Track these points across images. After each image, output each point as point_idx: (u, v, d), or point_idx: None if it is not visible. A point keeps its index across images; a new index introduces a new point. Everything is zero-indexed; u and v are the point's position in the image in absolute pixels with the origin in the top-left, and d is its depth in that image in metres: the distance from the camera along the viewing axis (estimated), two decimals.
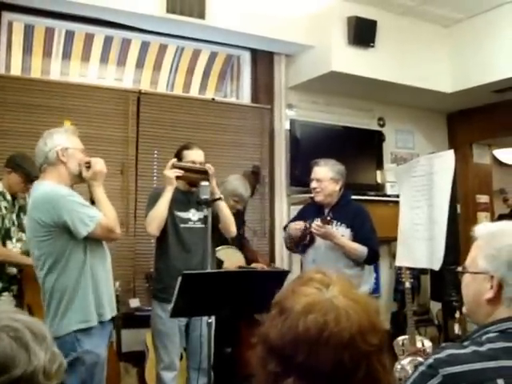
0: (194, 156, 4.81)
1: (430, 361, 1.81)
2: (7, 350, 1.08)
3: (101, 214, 3.70)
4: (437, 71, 7.34)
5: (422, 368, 1.82)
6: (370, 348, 1.39)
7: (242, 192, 5.83)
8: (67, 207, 3.58)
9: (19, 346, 1.10)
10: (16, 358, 1.08)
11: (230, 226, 4.90)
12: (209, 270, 4.20)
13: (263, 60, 7.31)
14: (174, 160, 4.74)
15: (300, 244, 5.37)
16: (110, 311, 3.87)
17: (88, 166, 3.81)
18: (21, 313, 1.21)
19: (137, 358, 5.82)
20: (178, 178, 4.66)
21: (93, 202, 3.83)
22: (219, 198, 4.73)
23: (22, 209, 5.00)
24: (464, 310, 2.15)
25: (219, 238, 5.09)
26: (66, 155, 3.74)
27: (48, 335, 1.19)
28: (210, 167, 4.69)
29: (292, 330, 1.40)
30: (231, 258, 5.80)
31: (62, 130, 3.89)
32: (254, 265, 6.10)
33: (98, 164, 3.82)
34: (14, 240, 4.88)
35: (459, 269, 2.14)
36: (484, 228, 2.10)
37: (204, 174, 4.61)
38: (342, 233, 5.18)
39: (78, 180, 3.85)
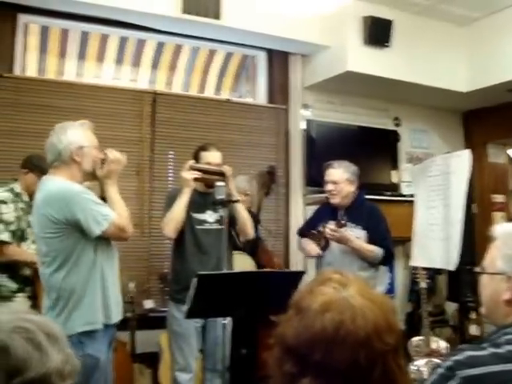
0: (211, 157, 4.78)
1: (449, 363, 1.79)
2: (20, 352, 1.06)
3: (114, 213, 3.61)
4: (452, 70, 7.29)
5: (440, 370, 1.79)
6: (385, 347, 1.39)
7: (242, 185, 5.81)
8: (81, 205, 3.48)
9: (32, 347, 1.08)
10: (29, 360, 1.06)
11: (248, 228, 4.90)
12: (224, 271, 4.18)
13: (279, 60, 7.30)
14: (192, 162, 4.71)
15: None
16: (117, 314, 3.78)
17: (103, 162, 3.71)
18: (33, 313, 1.20)
19: (151, 359, 5.82)
20: (195, 179, 4.64)
21: (103, 199, 3.72)
22: (236, 200, 4.71)
23: None
24: (482, 310, 2.13)
25: (231, 243, 5.05)
26: (80, 154, 3.61)
27: (60, 335, 1.18)
28: (227, 169, 4.67)
29: (308, 328, 1.40)
30: (241, 265, 5.77)
31: (77, 124, 3.69)
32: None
33: (114, 164, 3.71)
34: (28, 241, 4.86)
35: (477, 269, 2.12)
36: (502, 228, 2.08)
37: (221, 176, 4.59)
38: (357, 234, 5.14)
39: (91, 178, 3.75)
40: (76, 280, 3.55)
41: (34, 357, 1.08)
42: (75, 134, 3.63)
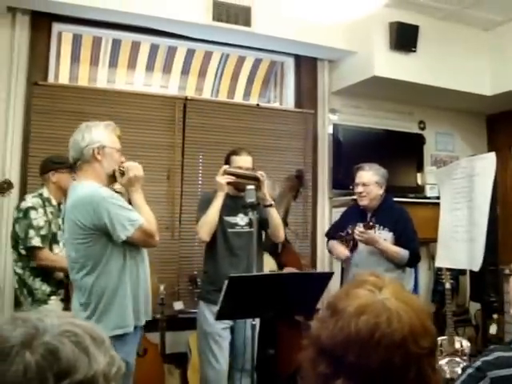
0: (241, 162, 4.81)
1: (478, 363, 1.79)
2: (69, 355, 1.08)
3: (142, 219, 3.58)
4: (477, 74, 7.24)
5: (470, 370, 1.80)
6: (421, 351, 1.39)
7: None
8: (108, 210, 3.46)
9: (80, 350, 1.10)
10: (77, 363, 1.08)
11: (279, 231, 4.92)
12: (254, 273, 4.18)
13: (307, 66, 7.31)
14: (226, 166, 4.73)
15: None
16: (145, 315, 3.82)
17: (122, 172, 3.71)
18: (78, 318, 1.22)
19: (180, 360, 5.88)
20: (228, 183, 4.67)
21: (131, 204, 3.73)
22: (270, 205, 4.76)
23: None
24: (511, 311, 2.13)
25: (261, 245, 5.06)
26: (101, 153, 3.62)
27: (106, 339, 1.20)
28: (262, 174, 4.67)
29: (344, 330, 1.40)
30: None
31: (102, 125, 3.72)
32: (285, 270, 6.10)
33: (132, 171, 3.69)
34: (60, 244, 4.90)
35: (507, 271, 2.12)
36: None
37: (256, 181, 4.60)
38: (384, 236, 5.17)
39: (113, 181, 3.77)
40: (105, 284, 3.56)
41: (82, 360, 1.09)
42: (99, 134, 3.65)
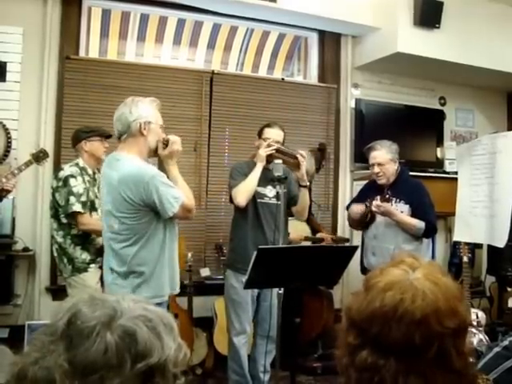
0: (273, 134, 4.85)
1: (506, 343, 1.80)
2: (146, 339, 1.10)
3: (183, 195, 3.64)
4: (501, 51, 7.11)
5: (496, 349, 1.81)
6: (443, 330, 1.40)
7: (306, 167, 5.89)
8: (157, 187, 3.51)
9: (154, 335, 1.14)
10: (152, 347, 1.11)
11: (305, 211, 5.09)
12: (282, 245, 4.24)
13: (330, 41, 7.29)
14: (270, 140, 4.77)
15: (361, 224, 5.47)
16: (178, 284, 3.92)
17: (166, 144, 3.73)
18: (150, 303, 1.25)
19: (206, 323, 5.99)
20: (268, 156, 4.71)
21: None
22: (305, 186, 4.86)
23: None
24: None
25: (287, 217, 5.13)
26: (147, 129, 3.65)
27: (175, 326, 1.23)
28: (302, 154, 4.74)
29: (370, 304, 1.44)
30: (297, 230, 5.98)
31: (148, 100, 3.74)
32: (319, 235, 6.32)
33: (176, 144, 3.73)
34: (98, 211, 4.88)
35: None
36: None
37: (294, 159, 4.70)
38: (401, 209, 5.20)
39: (153, 154, 3.79)
40: (146, 256, 3.64)
41: (156, 344, 1.12)
42: (145, 109, 3.68)
